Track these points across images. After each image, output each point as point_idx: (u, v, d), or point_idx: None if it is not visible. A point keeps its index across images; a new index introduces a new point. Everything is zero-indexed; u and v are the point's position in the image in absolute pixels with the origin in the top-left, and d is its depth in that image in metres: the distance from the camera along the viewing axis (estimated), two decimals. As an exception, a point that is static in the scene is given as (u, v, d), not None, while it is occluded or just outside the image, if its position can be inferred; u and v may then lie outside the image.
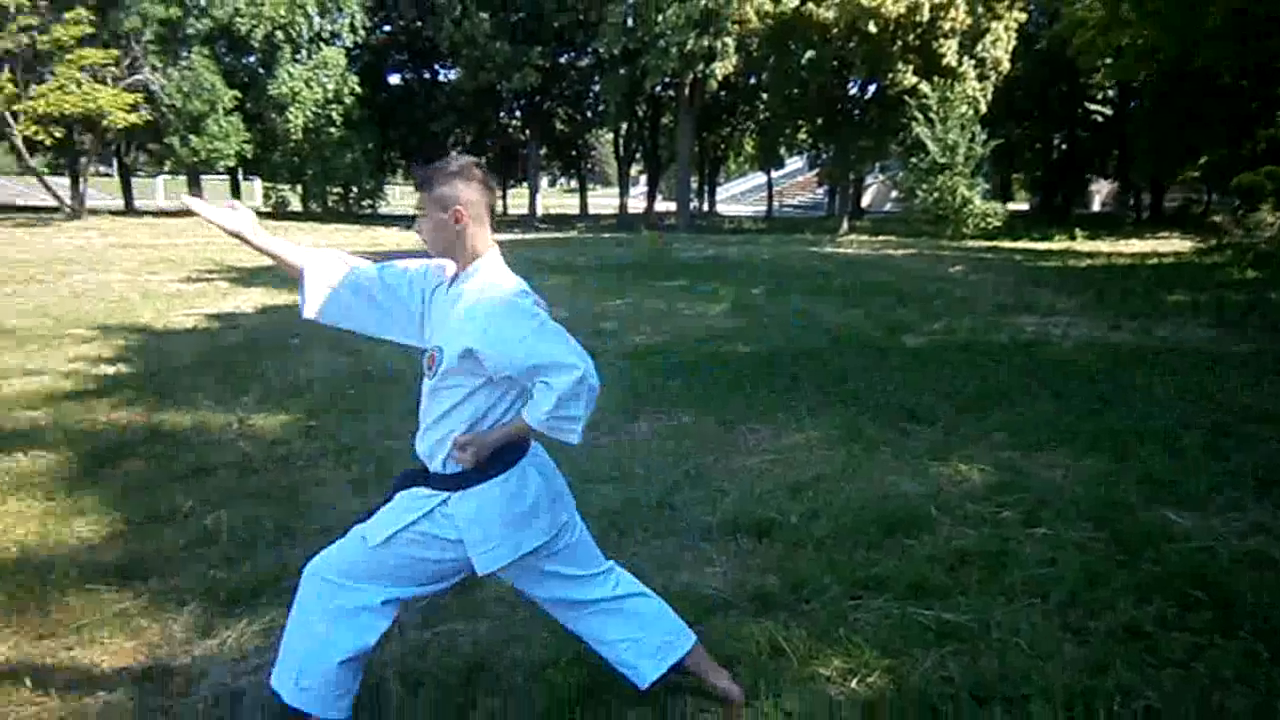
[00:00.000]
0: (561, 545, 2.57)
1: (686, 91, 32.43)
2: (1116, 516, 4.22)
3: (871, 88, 32.44)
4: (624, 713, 2.71)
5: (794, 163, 55.19)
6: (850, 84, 32.99)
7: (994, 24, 28.82)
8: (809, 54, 30.84)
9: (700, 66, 30.01)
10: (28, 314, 10.19)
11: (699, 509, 4.40)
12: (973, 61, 29.00)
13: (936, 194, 27.20)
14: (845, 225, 31.83)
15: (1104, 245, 23.42)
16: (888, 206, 46.01)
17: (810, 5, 28.82)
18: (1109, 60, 24.61)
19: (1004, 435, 5.62)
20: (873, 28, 27.72)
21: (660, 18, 29.13)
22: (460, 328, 2.33)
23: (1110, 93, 34.98)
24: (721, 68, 29.69)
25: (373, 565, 2.44)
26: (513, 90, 34.37)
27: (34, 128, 26.77)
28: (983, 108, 28.79)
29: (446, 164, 2.43)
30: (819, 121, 34.64)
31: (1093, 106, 35.90)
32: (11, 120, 27.16)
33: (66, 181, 33.73)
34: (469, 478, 2.39)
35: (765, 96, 35.81)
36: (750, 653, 3.02)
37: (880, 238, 26.93)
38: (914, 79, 28.53)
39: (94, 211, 31.80)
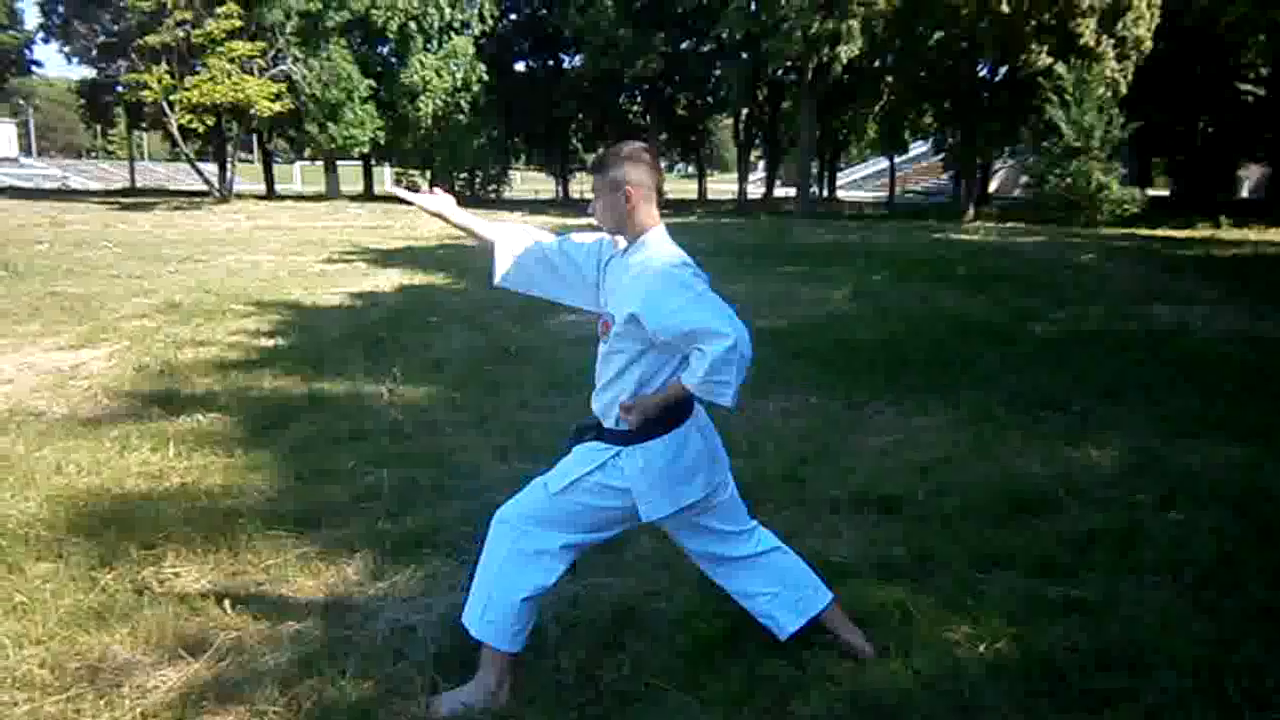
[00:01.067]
0: (716, 502, 2.80)
1: (809, 75, 32.08)
2: (1257, 503, 4.18)
3: (1002, 69, 31.44)
4: (762, 660, 2.90)
5: (917, 148, 53.94)
6: (980, 66, 32.06)
7: (1137, 1, 27.53)
8: (937, 35, 30.11)
9: (824, 50, 29.65)
10: (191, 290, 10.97)
11: (826, 483, 4.54)
12: (1112, 41, 27.74)
13: (1069, 179, 26.23)
14: (971, 211, 31.02)
15: (1252, 234, 22.23)
16: (1016, 193, 44.47)
17: (940, -15, 28.12)
18: (1262, 37, 23.22)
19: (1139, 422, 5.57)
20: (1005, 7, 26.86)
21: (784, 1, 28.92)
22: (626, 295, 2.56)
23: (1263, 71, 32.94)
24: (846, 51, 29.25)
25: (552, 511, 2.69)
26: (634, 76, 34.68)
27: (188, 116, 28.47)
28: (1123, 89, 27.57)
29: (619, 149, 2.66)
30: (946, 105, 33.83)
31: (1243, 86, 33.87)
32: (168, 109, 28.95)
33: (213, 167, 35.78)
34: (637, 435, 2.60)
35: (890, 79, 35.12)
36: (879, 616, 3.17)
37: (1008, 224, 26.18)
38: (1048, 60, 27.52)
39: (240, 196, 33.65)
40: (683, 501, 2.69)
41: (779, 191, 45.45)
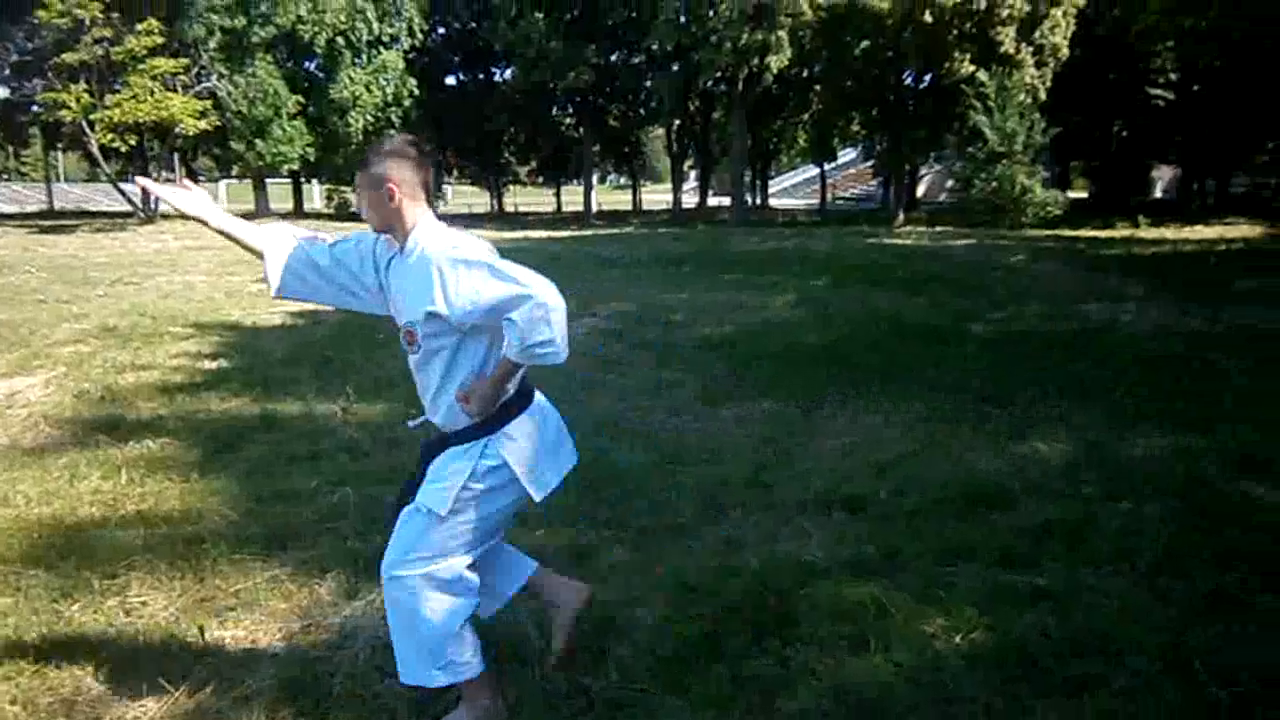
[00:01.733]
0: None
1: (739, 86, 32.48)
2: (1198, 490, 4.37)
3: (927, 77, 32.21)
4: (743, 661, 2.95)
5: (845, 155, 54.88)
6: (905, 74, 32.79)
7: (1053, 10, 28.44)
8: (863, 45, 30.73)
9: (754, 60, 30.06)
10: (125, 313, 10.69)
11: (790, 487, 4.63)
12: (1031, 49, 28.62)
13: (995, 183, 26.99)
14: (901, 217, 31.68)
15: (1169, 232, 23.10)
16: (942, 198, 45.54)
17: (865, -5, 28.73)
18: (1170, 43, 24.19)
19: (1081, 417, 5.77)
20: (928, 17, 27.55)
21: (713, 13, 29.27)
22: (418, 295, 2.45)
23: (1172, 76, 34.29)
24: (775, 61, 29.70)
25: (448, 536, 2.52)
26: (566, 89, 34.72)
27: (110, 136, 27.67)
28: (1042, 95, 28.48)
29: (383, 143, 2.59)
30: (873, 113, 34.52)
31: (1154, 91, 35.22)
32: (88, 129, 28.13)
33: (132, 188, 34.81)
34: (489, 425, 2.51)
35: (818, 88, 35.72)
36: (856, 613, 3.24)
37: (937, 228, 26.82)
38: (971, 68, 28.30)
39: (165, 216, 32.80)
40: (565, 468, 2.68)
41: (713, 200, 45.86)
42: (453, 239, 2.49)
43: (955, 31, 28.66)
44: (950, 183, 37.67)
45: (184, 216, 2.69)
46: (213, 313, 10.90)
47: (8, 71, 33.58)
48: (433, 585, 2.53)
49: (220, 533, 4.11)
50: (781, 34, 29.19)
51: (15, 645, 3.11)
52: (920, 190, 46.75)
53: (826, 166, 44.61)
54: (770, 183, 54.68)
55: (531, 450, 2.57)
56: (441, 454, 2.57)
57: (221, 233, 2.72)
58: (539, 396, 2.69)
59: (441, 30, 40.31)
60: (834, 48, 31.38)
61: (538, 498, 2.61)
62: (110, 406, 6.44)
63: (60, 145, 38.89)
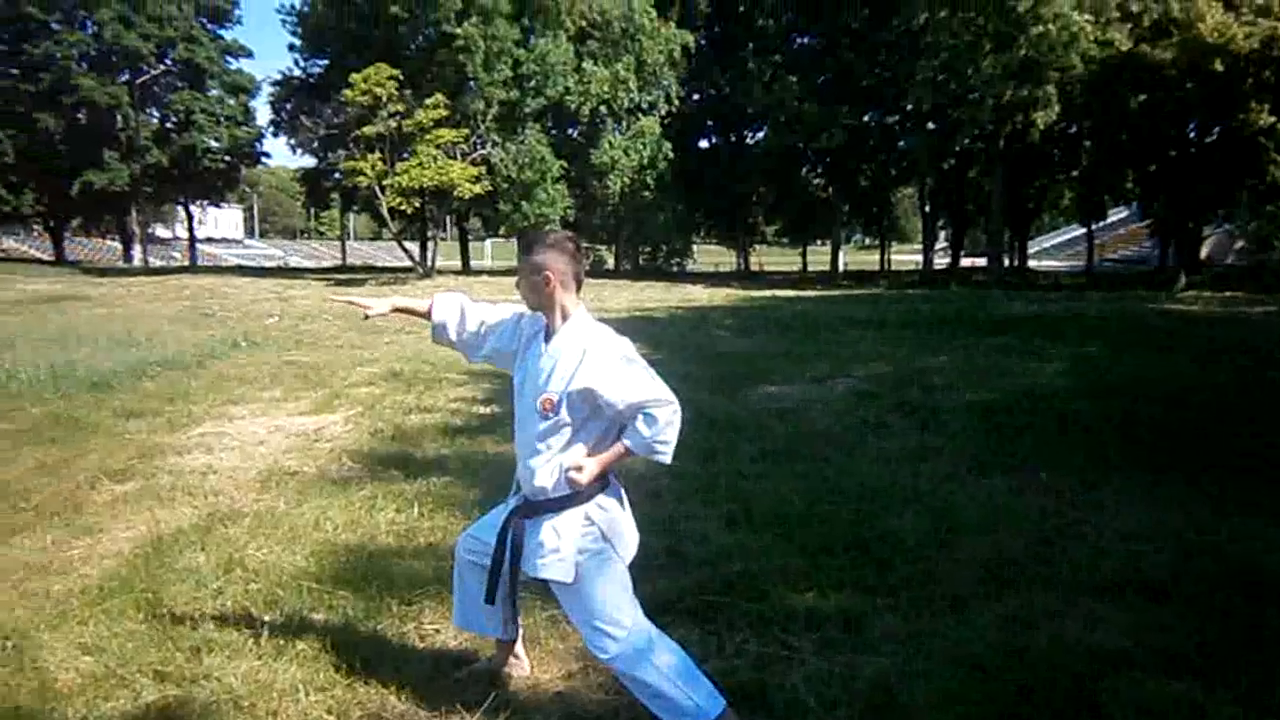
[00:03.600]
0: None
1: (1000, 143, 31.27)
2: None
3: (1215, 130, 29.65)
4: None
5: (1114, 214, 51.32)
6: (1189, 127, 30.36)
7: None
8: (1140, 97, 28.78)
9: (1018, 117, 28.87)
10: (409, 360, 11.65)
11: (1077, 565, 4.29)
12: (1343, 96, 25.79)
13: (1298, 245, 24.30)
14: (1182, 280, 29.09)
15: None
16: (1229, 260, 41.50)
17: (1144, 46, 26.95)
18: None
19: None
20: (1219, 65, 25.43)
21: (974, 70, 28.45)
22: (575, 373, 2.76)
23: None
24: (1042, 117, 28.38)
25: (607, 596, 2.85)
26: (818, 149, 34.82)
27: (397, 199, 30.65)
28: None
29: (545, 235, 2.92)
30: (1150, 169, 32.12)
31: None
32: (380, 192, 31.25)
33: (415, 245, 38.20)
34: (579, 497, 2.81)
35: (1087, 144, 33.74)
36: (1169, 714, 2.93)
37: (1226, 293, 24.40)
38: (1270, 118, 25.77)
39: (439, 271, 35.72)
40: (636, 541, 2.99)
41: (965, 261, 44.17)
42: (612, 333, 2.87)
43: (1251, 80, 26.25)
44: (1240, 244, 34.29)
45: (382, 315, 3.26)
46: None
47: (316, 144, 37.95)
48: (650, 654, 2.82)
49: (501, 569, 4.32)
50: (1049, 89, 27.89)
51: (329, 658, 3.39)
52: (1203, 251, 42.83)
53: (1094, 226, 41.89)
54: (1029, 243, 51.95)
55: (622, 516, 2.94)
56: (538, 523, 2.86)
57: (404, 311, 3.28)
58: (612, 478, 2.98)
59: (696, 96, 41.66)
60: (1107, 101, 29.58)
61: (627, 559, 2.93)
62: (400, 444, 7.01)
63: (355, 208, 43.28)
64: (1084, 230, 43.19)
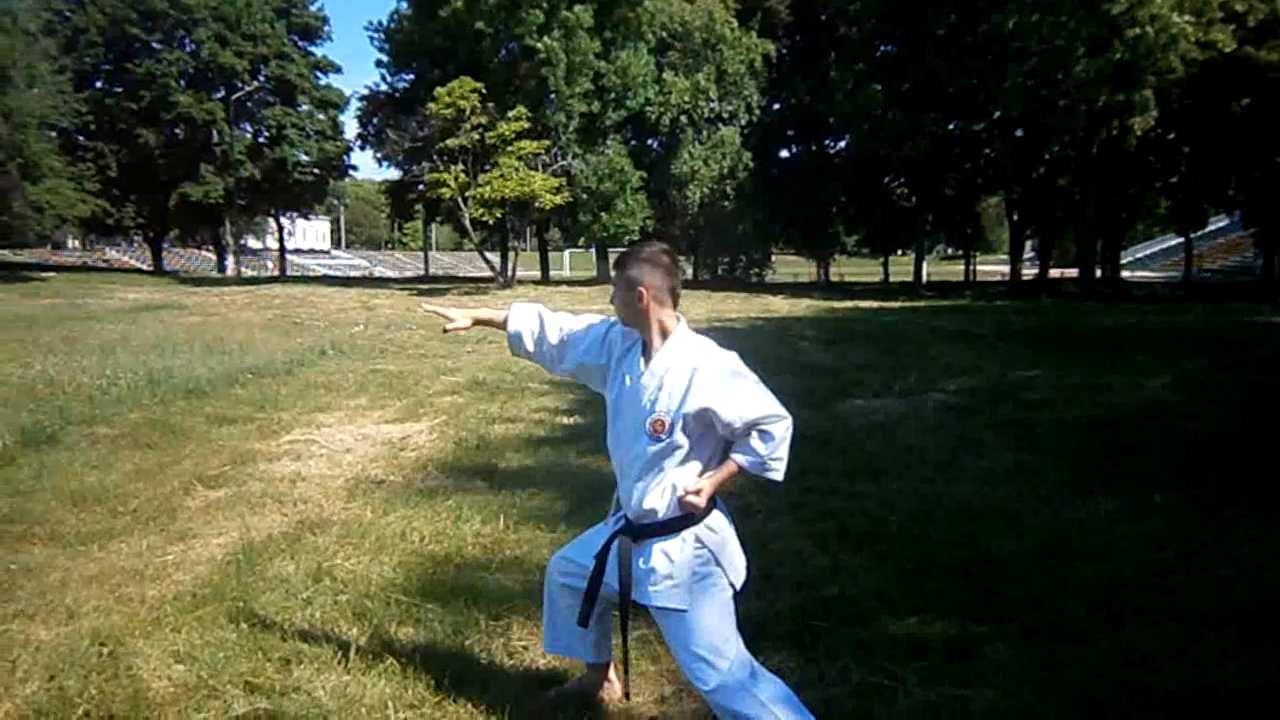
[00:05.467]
0: None
1: (1093, 150, 30.28)
2: None
3: (1324, 135, 28.27)
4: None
5: (1214, 223, 49.28)
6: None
7: None
8: (1244, 101, 27.57)
9: (1112, 123, 27.92)
10: (491, 369, 11.69)
11: (1201, 596, 4.01)
12: None
13: None
14: (1290, 291, 27.78)
15: None
16: (1341, 270, 39.44)
17: (1248, 48, 25.82)
18: None
19: None
20: (1329, 68, 24.27)
21: (1066, 76, 27.60)
22: (689, 393, 2.63)
23: None
24: (1139, 123, 27.38)
25: (715, 624, 2.70)
26: (901, 158, 34.20)
27: (480, 210, 31.04)
28: None
29: (640, 249, 2.81)
30: (1255, 175, 30.75)
31: None
32: (462, 204, 31.70)
33: (496, 256, 38.66)
34: (690, 519, 2.69)
35: (1186, 150, 32.46)
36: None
37: (1339, 306, 23.17)
38: (1384, 122, 24.48)
39: (519, 281, 36.06)
40: (744, 565, 2.80)
41: (1053, 272, 42.90)
42: (719, 348, 2.76)
43: (1366, 81, 24.98)
44: (1354, 254, 32.57)
45: (463, 328, 3.16)
46: (566, 372, 11.59)
47: (401, 157, 38.70)
48: (762, 685, 2.67)
49: (588, 585, 4.22)
50: (1146, 93, 26.90)
51: (418, 674, 3.32)
52: (1313, 262, 40.81)
53: (1192, 235, 40.28)
54: (1122, 253, 50.20)
55: (731, 539, 2.78)
56: (647, 547, 2.73)
57: (484, 323, 3.20)
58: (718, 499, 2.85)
59: (777, 105, 41.35)
60: (1208, 105, 28.40)
61: (738, 584, 2.76)
62: (484, 455, 6.98)
63: (439, 219, 44.02)
64: (1181, 239, 41.54)
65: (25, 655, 3.50)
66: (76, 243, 68.05)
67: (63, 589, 4.24)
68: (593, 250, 40.75)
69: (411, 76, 39.66)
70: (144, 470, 6.47)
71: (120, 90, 41.96)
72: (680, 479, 2.69)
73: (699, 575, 2.69)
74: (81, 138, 40.73)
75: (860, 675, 3.34)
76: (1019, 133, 33.29)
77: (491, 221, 33.16)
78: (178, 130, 42.55)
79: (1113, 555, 4.56)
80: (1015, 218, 40.84)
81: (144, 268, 49.78)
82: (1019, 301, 28.95)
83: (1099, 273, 37.10)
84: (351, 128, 68.15)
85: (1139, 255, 61.58)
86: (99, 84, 42.88)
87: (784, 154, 43.20)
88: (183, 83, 41.48)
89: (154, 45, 41.48)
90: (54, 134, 37.12)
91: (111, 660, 3.44)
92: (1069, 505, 5.54)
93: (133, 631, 3.69)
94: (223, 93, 42.17)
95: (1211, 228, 49.69)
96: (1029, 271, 44.63)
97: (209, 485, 6.10)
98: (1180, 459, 6.50)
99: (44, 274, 36.74)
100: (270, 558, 4.56)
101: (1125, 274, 47.92)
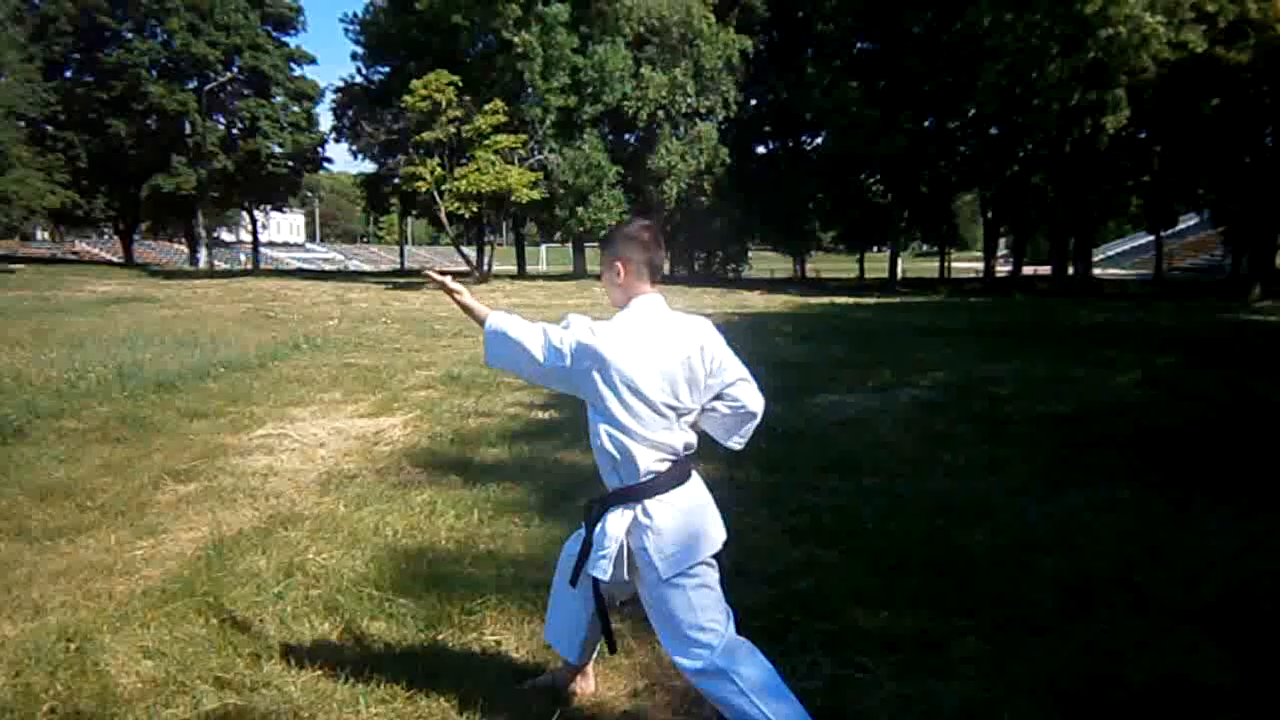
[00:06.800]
0: None
1: (1066, 148, 30.54)
2: None
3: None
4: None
5: (1183, 221, 49.83)
6: (1265, 131, 29.37)
7: None
8: (1214, 101, 27.91)
9: (1085, 122, 28.17)
10: (466, 363, 11.63)
11: (1169, 589, 4.06)
12: None
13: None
14: (1257, 290, 28.15)
15: None
16: (1307, 269, 40.02)
17: (1219, 48, 26.11)
18: None
19: None
20: (1297, 68, 24.60)
21: (1040, 75, 27.82)
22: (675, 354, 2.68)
23: None
24: (1111, 122, 27.64)
25: (698, 601, 2.68)
26: (877, 155, 34.36)
27: (455, 204, 30.90)
28: None
29: (621, 226, 2.85)
30: (1225, 175, 31.14)
31: None
32: (438, 197, 31.54)
33: (472, 250, 38.49)
34: (650, 487, 2.71)
35: (1158, 150, 32.80)
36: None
37: (1305, 304, 23.55)
38: (1353, 123, 24.84)
39: (496, 275, 35.95)
40: (721, 534, 2.80)
41: (1026, 269, 43.27)
42: (684, 316, 2.80)
43: (1333, 83, 25.33)
44: (1319, 253, 33.04)
45: (455, 291, 3.05)
46: (542, 366, 11.56)
47: (376, 149, 38.44)
48: (731, 668, 2.63)
49: (563, 579, 4.22)
50: (1119, 92, 27.17)
51: (389, 669, 3.30)
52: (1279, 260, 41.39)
53: (1162, 234, 40.70)
54: (1094, 251, 50.66)
55: (707, 502, 2.81)
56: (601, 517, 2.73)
57: (465, 306, 3.03)
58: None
59: (754, 101, 41.40)
60: (1179, 105, 28.71)
61: (666, 574, 2.64)
62: (459, 449, 6.96)
63: (414, 212, 43.75)
64: (1152, 238, 41.98)
65: (-10, 651, 3.46)
66: (46, 235, 67.13)
67: (29, 584, 4.19)
68: (569, 245, 40.65)
69: (387, 69, 39.36)
70: (113, 464, 6.40)
71: (90, 80, 41.38)
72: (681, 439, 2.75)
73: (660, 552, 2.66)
74: (50, 128, 40.21)
75: (832, 669, 3.36)
76: (994, 131, 33.53)
77: (468, 215, 33.04)
78: (149, 121, 41.95)
79: (1082, 549, 4.61)
80: (989, 215, 41.12)
81: (115, 260, 49.16)
82: (992, 298, 29.24)
83: (1071, 270, 37.45)
84: (326, 120, 67.58)
85: (1110, 253, 62.23)
86: (69, 73, 42.34)
87: (761, 150, 43.30)
88: (154, 73, 40.89)
89: (125, 34, 40.87)
90: (22, 124, 36.62)
91: (79, 656, 3.40)
92: (1039, 499, 5.59)
93: (101, 627, 3.65)
94: (195, 83, 41.62)
95: (1181, 226, 50.24)
96: (1003, 269, 44.98)
97: (179, 479, 6.04)
98: (1148, 453, 6.58)
99: (12, 266, 36.20)
100: (241, 552, 4.52)
101: (1097, 271, 48.37)
